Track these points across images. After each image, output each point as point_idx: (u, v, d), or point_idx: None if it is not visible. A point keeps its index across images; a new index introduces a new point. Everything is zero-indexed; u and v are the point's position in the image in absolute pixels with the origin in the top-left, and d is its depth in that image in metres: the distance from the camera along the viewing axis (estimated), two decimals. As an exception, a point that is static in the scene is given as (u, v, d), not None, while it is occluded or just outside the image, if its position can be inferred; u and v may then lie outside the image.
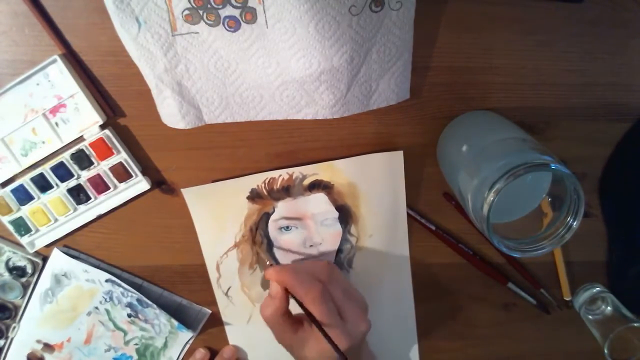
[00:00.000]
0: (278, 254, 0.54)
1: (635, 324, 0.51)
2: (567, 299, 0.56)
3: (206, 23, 0.43)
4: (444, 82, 0.48)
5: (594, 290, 0.54)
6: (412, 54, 0.46)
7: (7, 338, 0.54)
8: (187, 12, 0.42)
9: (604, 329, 0.52)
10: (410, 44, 0.45)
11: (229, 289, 0.55)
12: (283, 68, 0.44)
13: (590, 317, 0.54)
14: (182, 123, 0.46)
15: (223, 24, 0.43)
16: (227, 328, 0.57)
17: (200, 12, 0.42)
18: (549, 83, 0.49)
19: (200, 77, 0.45)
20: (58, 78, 0.45)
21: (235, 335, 0.57)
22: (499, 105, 0.49)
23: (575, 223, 0.40)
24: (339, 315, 0.43)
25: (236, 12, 0.42)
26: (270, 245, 0.53)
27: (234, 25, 0.43)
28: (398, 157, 0.50)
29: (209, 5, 0.42)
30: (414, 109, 0.49)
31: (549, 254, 0.55)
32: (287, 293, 0.44)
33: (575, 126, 0.50)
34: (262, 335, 0.56)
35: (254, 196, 0.51)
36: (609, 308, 0.54)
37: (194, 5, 0.42)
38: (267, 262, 0.49)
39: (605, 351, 0.51)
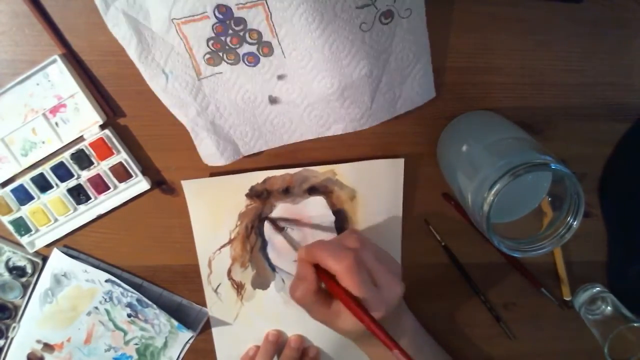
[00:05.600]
0: (271, 254, 0.54)
1: (635, 324, 0.51)
2: (567, 299, 0.56)
3: (227, 62, 0.45)
4: (444, 82, 0.48)
5: (594, 290, 0.54)
6: (430, 55, 0.46)
7: (7, 338, 0.54)
8: (208, 55, 0.44)
9: (604, 329, 0.52)
10: (427, 46, 0.45)
11: (218, 285, 0.54)
12: (307, 91, 0.45)
13: (590, 317, 0.54)
14: (221, 160, 0.48)
15: (243, 61, 0.45)
16: (213, 325, 0.56)
17: (220, 53, 0.44)
18: (549, 83, 0.49)
19: (230, 113, 0.47)
20: (58, 78, 0.45)
21: (220, 333, 0.57)
22: (499, 105, 0.49)
23: (575, 223, 0.40)
24: (373, 282, 0.41)
25: (253, 48, 0.44)
26: (264, 244, 0.53)
27: (253, 60, 0.45)
28: (399, 164, 0.50)
29: (227, 47, 0.44)
30: (414, 109, 0.49)
31: (549, 254, 0.55)
32: (316, 271, 0.43)
33: (575, 126, 0.50)
34: (248, 334, 0.57)
35: (253, 194, 0.51)
36: (609, 308, 0.54)
37: (213, 48, 0.44)
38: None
39: (605, 351, 0.51)
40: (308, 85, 0.45)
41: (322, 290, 0.44)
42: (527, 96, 0.49)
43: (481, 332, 0.58)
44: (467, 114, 0.49)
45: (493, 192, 0.37)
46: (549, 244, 0.41)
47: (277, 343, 0.56)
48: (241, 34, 0.43)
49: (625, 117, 0.50)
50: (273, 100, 0.47)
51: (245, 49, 0.44)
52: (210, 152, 0.48)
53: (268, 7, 0.41)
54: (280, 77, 0.46)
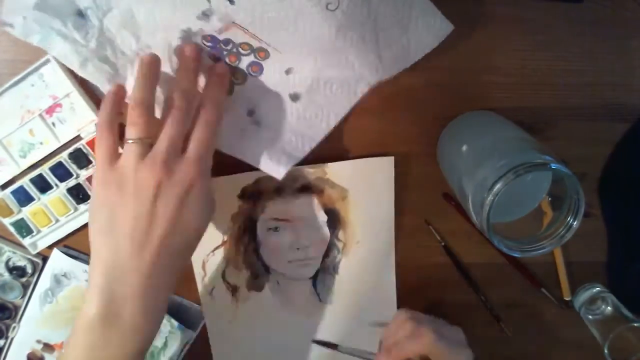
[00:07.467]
0: (265, 255, 0.54)
1: (635, 324, 0.51)
2: (567, 299, 0.56)
3: (237, 84, 0.47)
4: (444, 82, 0.48)
5: (594, 290, 0.54)
6: None
7: (7, 338, 0.54)
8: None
9: (604, 329, 0.52)
10: None
11: (213, 288, 0.54)
12: (317, 72, 0.46)
13: (590, 317, 0.54)
14: (282, 171, 0.47)
15: (250, 74, 0.47)
16: (209, 328, 0.56)
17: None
18: (549, 83, 0.49)
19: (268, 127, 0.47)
20: (52, 78, 0.45)
21: (217, 335, 0.56)
22: (499, 105, 0.49)
23: (575, 223, 0.40)
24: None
25: (251, 57, 0.46)
26: (257, 246, 0.53)
27: (257, 69, 0.46)
28: (389, 163, 0.50)
29: (229, 67, 0.46)
30: (413, 109, 0.49)
31: (549, 254, 0.55)
32: None
33: (575, 126, 0.50)
34: (244, 336, 0.56)
35: (245, 195, 0.51)
36: (609, 308, 0.54)
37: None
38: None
39: (605, 351, 0.51)
40: (315, 66, 0.46)
41: None
42: (527, 96, 0.49)
43: (481, 332, 0.58)
44: (467, 114, 0.49)
45: (493, 192, 0.37)
46: (549, 244, 0.41)
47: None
48: (234, 50, 0.45)
49: (625, 117, 0.50)
50: (295, 97, 0.47)
51: (245, 61, 0.46)
52: (270, 167, 0.47)
53: (240, 25, 0.44)
54: (288, 72, 0.46)
